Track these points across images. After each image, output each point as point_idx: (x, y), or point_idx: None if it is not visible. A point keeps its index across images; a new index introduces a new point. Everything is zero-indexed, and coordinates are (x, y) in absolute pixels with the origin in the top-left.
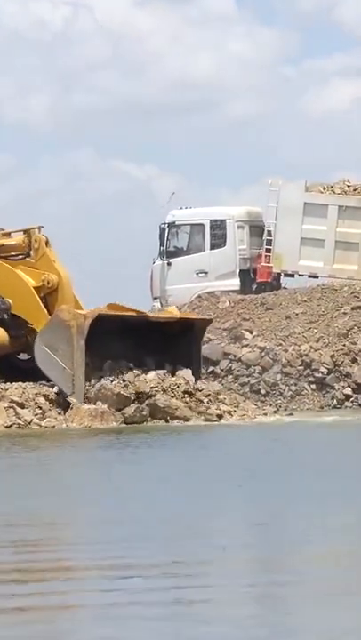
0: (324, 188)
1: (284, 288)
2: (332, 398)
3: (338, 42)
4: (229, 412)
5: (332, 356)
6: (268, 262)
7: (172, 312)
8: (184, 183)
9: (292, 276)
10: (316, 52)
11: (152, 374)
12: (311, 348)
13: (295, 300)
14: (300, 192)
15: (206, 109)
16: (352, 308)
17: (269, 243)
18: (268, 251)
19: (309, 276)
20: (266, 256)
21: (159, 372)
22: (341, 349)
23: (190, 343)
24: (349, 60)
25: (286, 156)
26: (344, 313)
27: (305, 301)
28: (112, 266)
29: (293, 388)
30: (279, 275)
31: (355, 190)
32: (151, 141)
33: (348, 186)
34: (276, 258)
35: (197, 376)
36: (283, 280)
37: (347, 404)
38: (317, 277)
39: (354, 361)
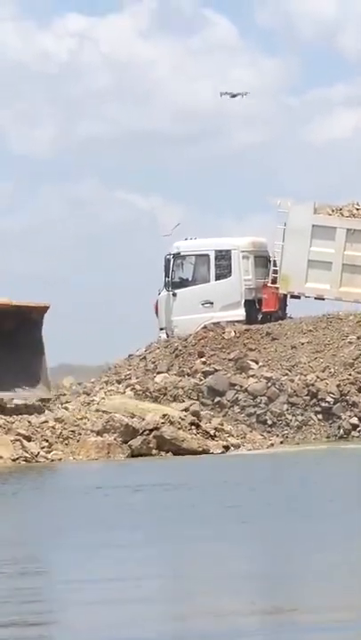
0: (333, 210)
1: (290, 318)
2: (339, 428)
3: (340, 71)
4: (237, 446)
5: (338, 386)
6: (274, 283)
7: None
8: (188, 213)
9: (298, 297)
10: (318, 82)
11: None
12: (317, 377)
13: (301, 330)
14: (308, 214)
15: (210, 139)
16: (358, 338)
17: (275, 264)
18: (275, 272)
19: (316, 298)
20: (273, 277)
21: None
22: (348, 379)
23: (32, 347)
24: (352, 89)
25: (290, 185)
26: (350, 342)
27: (310, 331)
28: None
29: (300, 418)
30: (285, 304)
31: None
32: (155, 171)
33: (358, 209)
34: (282, 279)
35: (48, 387)
36: (288, 308)
37: (354, 433)
38: (324, 299)
39: (360, 390)
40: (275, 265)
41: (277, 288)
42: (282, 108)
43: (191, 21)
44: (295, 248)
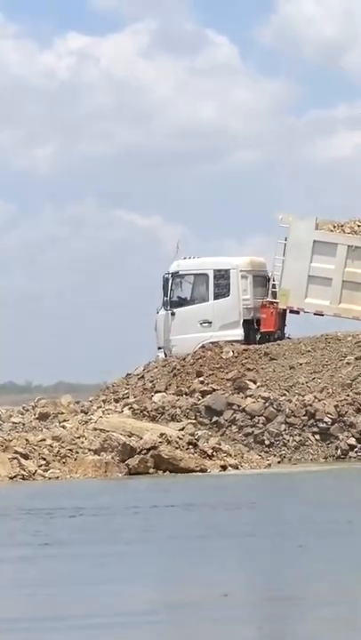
0: (335, 227)
1: (288, 338)
2: (337, 448)
3: (342, 92)
4: (235, 467)
5: (336, 406)
6: (275, 298)
7: None
8: (188, 233)
9: (297, 312)
10: (319, 102)
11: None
12: (315, 398)
13: (299, 350)
14: (310, 229)
15: (211, 158)
16: (356, 358)
17: (274, 279)
18: (273, 287)
19: (315, 314)
20: (273, 292)
21: None
22: (345, 399)
23: None
24: (353, 109)
25: (290, 205)
26: (348, 363)
27: (309, 351)
28: (114, 315)
29: (297, 438)
30: (284, 324)
31: None
32: (155, 191)
33: (359, 225)
34: (282, 294)
35: None
36: (286, 329)
37: (351, 454)
38: (323, 315)
39: (358, 411)
40: (274, 280)
41: (277, 303)
42: (283, 127)
43: (192, 41)
44: (296, 263)
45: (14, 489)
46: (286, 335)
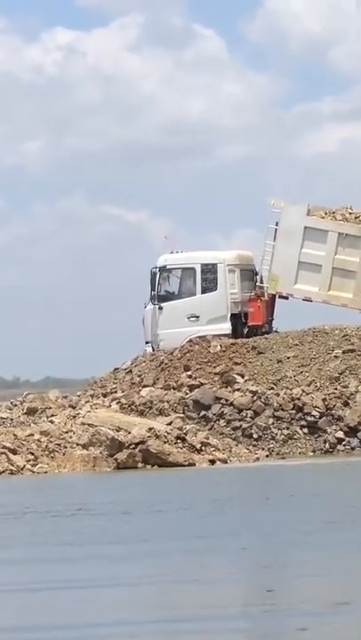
0: (326, 213)
1: (276, 332)
2: (325, 442)
3: (329, 86)
4: (224, 461)
5: (323, 400)
6: (260, 293)
7: None
8: (176, 227)
9: (286, 298)
10: (307, 96)
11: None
12: (303, 391)
13: (287, 344)
14: (301, 215)
15: (198, 152)
16: (343, 352)
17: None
18: (261, 280)
19: (303, 300)
20: (259, 286)
21: None
22: (333, 393)
23: None
24: (340, 103)
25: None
26: (335, 356)
27: (296, 345)
28: (102, 309)
29: (285, 432)
30: (271, 318)
31: (356, 218)
32: (143, 185)
33: (350, 213)
34: (272, 279)
35: None
36: (274, 323)
37: (339, 447)
38: (311, 301)
39: (346, 404)
40: (262, 265)
41: (264, 297)
42: (271, 121)
43: (180, 35)
44: (286, 249)
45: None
46: (274, 329)
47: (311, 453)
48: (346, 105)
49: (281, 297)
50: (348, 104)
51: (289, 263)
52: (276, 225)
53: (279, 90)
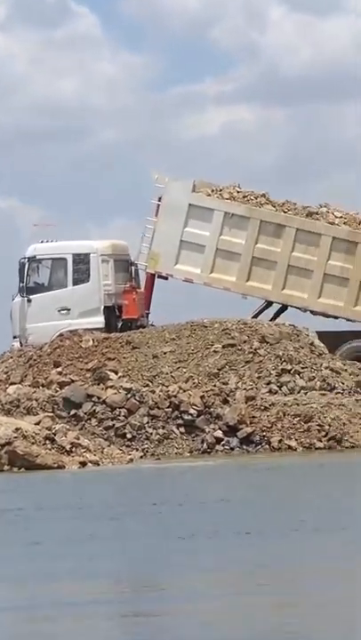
0: (213, 191)
1: (152, 325)
2: (203, 442)
3: (209, 67)
4: (95, 463)
5: (202, 397)
6: (136, 285)
7: None
8: (48, 216)
9: (165, 278)
10: (186, 77)
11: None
12: (180, 388)
13: (163, 339)
14: (186, 191)
15: (72, 136)
16: (223, 347)
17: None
18: (136, 272)
19: (184, 281)
20: (134, 278)
21: None
22: (212, 390)
23: None
24: (221, 85)
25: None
26: (215, 351)
27: (173, 339)
28: None
29: (161, 431)
30: (148, 312)
31: (244, 197)
32: (13, 170)
33: (238, 192)
34: (151, 258)
35: None
36: (150, 316)
37: (218, 447)
38: (192, 282)
39: (225, 402)
40: (143, 243)
41: (145, 267)
42: (148, 104)
43: (53, 13)
44: (168, 226)
45: None
46: (150, 322)
47: (188, 454)
48: (227, 86)
49: (160, 277)
50: (230, 84)
51: (171, 242)
52: (159, 201)
53: (157, 70)
